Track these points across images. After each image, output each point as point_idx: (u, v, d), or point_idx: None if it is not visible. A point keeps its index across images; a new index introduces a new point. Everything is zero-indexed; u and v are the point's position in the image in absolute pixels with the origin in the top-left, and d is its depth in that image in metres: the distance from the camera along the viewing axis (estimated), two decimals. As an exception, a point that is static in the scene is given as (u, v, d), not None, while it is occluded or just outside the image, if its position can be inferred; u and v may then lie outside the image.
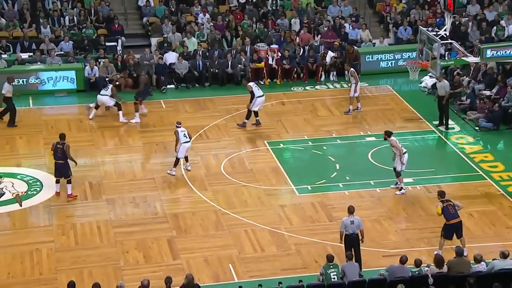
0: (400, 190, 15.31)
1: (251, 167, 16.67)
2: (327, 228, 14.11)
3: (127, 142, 17.88)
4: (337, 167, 16.61)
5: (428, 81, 21.05)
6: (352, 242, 12.51)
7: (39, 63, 21.45)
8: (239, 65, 21.72)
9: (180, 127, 16.35)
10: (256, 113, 18.45)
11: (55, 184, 15.20)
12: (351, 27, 23.84)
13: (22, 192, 15.26)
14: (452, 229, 12.94)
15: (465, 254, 12.16)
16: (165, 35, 23.09)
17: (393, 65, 22.73)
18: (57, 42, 22.34)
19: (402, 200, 15.14)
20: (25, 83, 20.89)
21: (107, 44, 22.48)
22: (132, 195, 15.33)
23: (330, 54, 22.08)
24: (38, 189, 15.46)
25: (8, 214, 14.44)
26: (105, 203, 14.98)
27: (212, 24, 23.53)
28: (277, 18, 24.04)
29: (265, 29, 23.64)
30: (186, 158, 16.40)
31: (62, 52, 22.11)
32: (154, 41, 23.33)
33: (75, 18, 23.44)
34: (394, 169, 15.29)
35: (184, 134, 16.19)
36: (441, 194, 13.23)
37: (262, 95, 18.32)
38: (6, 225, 14.12)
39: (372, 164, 16.67)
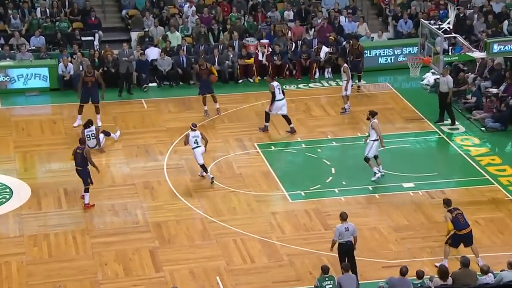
0: (375, 175, 15.90)
1: (240, 171, 16.69)
2: (322, 237, 14.15)
3: (106, 144, 17.83)
4: (333, 171, 16.66)
5: (430, 78, 21.18)
6: (347, 251, 12.59)
7: (8, 59, 21.35)
8: (227, 62, 21.79)
9: (195, 130, 16.20)
10: (288, 119, 18.25)
11: (84, 194, 15.06)
12: (347, 20, 23.95)
13: (-10, 200, 15.19)
14: (461, 239, 12.99)
15: (480, 263, 12.32)
16: (146, 29, 23.07)
17: (392, 61, 22.86)
18: (28, 37, 22.26)
19: (403, 206, 15.22)
20: (-7, 81, 20.80)
21: (83, 38, 22.43)
22: (111, 202, 15.31)
23: (325, 49, 22.17)
24: (8, 196, 15.41)
25: (-26, 224, 14.38)
26: (82, 211, 14.94)
27: (197, 17, 23.55)
28: (268, 11, 24.12)
29: (255, 22, 23.71)
30: (203, 166, 16.07)
31: (34, 48, 22.04)
32: (134, 35, 23.30)
33: (47, 10, 23.35)
34: (365, 158, 15.90)
35: (196, 140, 15.98)
36: (448, 202, 13.09)
37: (282, 99, 18.23)
38: (-28, 235, 14.05)
39: (370, 168, 16.76)
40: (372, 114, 16.07)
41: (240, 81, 22.04)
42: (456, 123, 18.88)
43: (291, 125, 18.36)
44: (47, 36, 22.34)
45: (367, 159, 16.04)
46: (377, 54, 22.76)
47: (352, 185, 15.97)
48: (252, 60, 21.96)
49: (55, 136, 18.29)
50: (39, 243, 13.80)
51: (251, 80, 22.13)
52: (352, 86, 20.25)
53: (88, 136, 16.97)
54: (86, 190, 15.06)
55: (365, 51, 22.21)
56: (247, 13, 24.11)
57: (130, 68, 20.95)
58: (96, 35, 22.95)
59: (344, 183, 16.12)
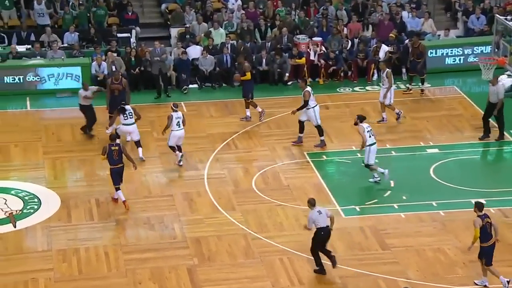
0: (373, 177, 16.40)
1: (288, 183, 16.71)
2: (379, 257, 14.06)
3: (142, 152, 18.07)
4: (392, 185, 16.55)
5: (505, 81, 20.79)
6: (327, 237, 13.32)
7: (38, 57, 21.85)
8: (278, 62, 21.75)
9: (177, 111, 16.97)
10: (320, 129, 18.11)
11: (116, 193, 15.56)
12: (410, 16, 23.75)
13: (16, 211, 15.52)
14: (491, 252, 12.91)
15: (485, 284, 12.71)
16: (188, 25, 23.32)
17: (461, 61, 22.58)
18: (61, 33, 22.73)
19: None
20: (21, 81, 21.34)
21: (119, 35, 22.79)
22: (146, 215, 15.49)
23: (385, 48, 22.03)
24: (36, 207, 15.72)
25: None
26: (115, 224, 15.16)
27: (243, 12, 23.70)
28: (321, 5, 24.10)
29: (306, 18, 23.71)
30: (179, 148, 16.91)
31: (66, 45, 22.51)
32: (174, 32, 23.58)
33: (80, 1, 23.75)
34: (365, 163, 16.32)
35: (178, 122, 16.89)
36: (480, 207, 12.90)
37: (316, 105, 18.14)
38: (-3, 249, 14.41)
39: (435, 182, 16.55)
40: (361, 119, 16.29)
41: (290, 83, 22.08)
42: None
43: (322, 138, 18.11)
44: (81, 32, 22.79)
45: (368, 166, 16.30)
46: (444, 54, 22.52)
47: (414, 200, 15.81)
48: (303, 60, 21.97)
49: (87, 141, 18.63)
50: (69, 258, 14.04)
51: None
52: (410, 90, 20.02)
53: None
54: (118, 189, 15.46)
55: (431, 51, 22.01)
56: (298, 8, 24.13)
57: (163, 68, 21.05)
58: (133, 31, 23.29)
59: (404, 197, 15.99)
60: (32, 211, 15.54)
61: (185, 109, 20.47)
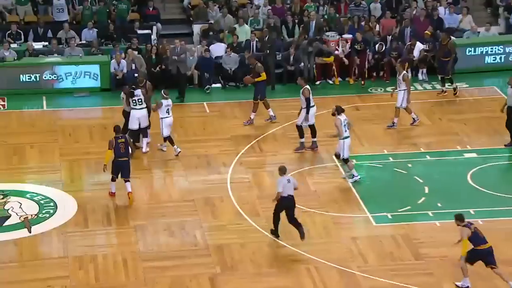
0: (352, 177, 16.53)
1: (315, 188, 16.70)
2: (412, 268, 13.98)
3: (162, 154, 18.17)
4: (426, 191, 16.46)
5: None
6: (288, 206, 14.51)
7: (55, 54, 22.05)
8: (307, 60, 21.68)
9: (167, 98, 17.54)
10: (313, 130, 18.16)
11: (110, 182, 16.04)
12: (447, 12, 23.59)
13: (31, 215, 15.65)
14: (480, 255, 13.19)
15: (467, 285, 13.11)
16: (211, 21, 23.38)
17: (503, 60, 22.40)
18: (79, 30, 22.89)
19: None
20: (38, 79, 21.56)
21: (139, 32, 22.90)
22: (166, 220, 15.55)
23: (420, 46, 21.91)
24: (52, 211, 15.87)
25: (14, 242, 14.81)
26: (133, 230, 15.25)
27: (269, 7, 23.71)
28: (352, 1, 24.05)
29: (337, 14, 23.66)
30: (169, 139, 17.68)
31: (85, 42, 22.67)
32: (197, 28, 23.65)
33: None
34: (338, 156, 16.68)
35: (168, 109, 17.58)
36: (460, 218, 13.21)
37: (313, 105, 18.21)
38: (11, 255, 14.47)
39: (472, 188, 16.45)
40: (339, 110, 16.55)
41: (318, 82, 22.06)
42: None
43: (315, 139, 18.09)
44: (100, 28, 22.95)
45: (345, 160, 16.58)
46: (484, 52, 22.35)
47: (450, 208, 15.65)
48: (332, 58, 21.93)
49: (106, 143, 18.62)
50: (85, 265, 14.13)
51: (331, 82, 22.11)
52: (445, 92, 19.90)
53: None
54: (114, 180, 16.08)
55: (469, 49, 21.84)
56: (328, 3, 24.10)
57: (181, 69, 21.03)
58: (154, 28, 23.43)
59: (439, 205, 15.90)
60: (47, 215, 15.68)
61: (207, 110, 20.56)
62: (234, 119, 19.98)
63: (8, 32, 22.64)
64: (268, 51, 21.60)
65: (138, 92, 17.79)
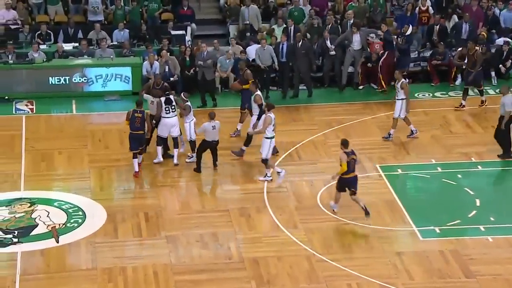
0: (265, 176, 17.04)
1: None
2: (462, 286, 13.79)
3: (194, 162, 18.17)
4: (477, 204, 16.26)
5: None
6: (211, 148, 16.96)
7: (86, 56, 22.22)
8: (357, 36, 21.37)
9: (187, 101, 17.76)
10: (248, 139, 18.05)
11: (133, 160, 17.10)
12: (506, 10, 23.15)
13: (59, 224, 15.75)
14: (347, 183, 15.57)
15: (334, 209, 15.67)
16: (247, 22, 23.35)
17: None
18: (111, 30, 23.01)
19: None
20: (67, 82, 21.72)
21: (173, 32, 22.97)
22: (199, 231, 15.54)
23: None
24: (80, 220, 15.95)
25: (41, 253, 14.90)
26: (165, 241, 15.26)
27: (310, 7, 23.54)
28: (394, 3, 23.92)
29: (383, 1, 23.43)
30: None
31: (116, 43, 22.81)
32: (233, 29, 23.65)
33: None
34: (263, 160, 17.02)
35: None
36: (345, 143, 15.47)
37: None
38: (38, 266, 14.56)
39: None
40: (269, 107, 16.92)
41: (361, 87, 21.90)
42: None
43: (246, 148, 17.99)
44: (132, 29, 23.08)
45: (265, 161, 16.93)
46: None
47: (503, 222, 15.50)
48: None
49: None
50: (114, 278, 14.15)
51: (375, 87, 21.90)
52: (463, 106, 19.57)
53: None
54: (135, 157, 17.08)
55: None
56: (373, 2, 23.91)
57: (207, 75, 20.81)
58: (188, 28, 23.48)
59: (492, 219, 15.68)
60: (76, 225, 15.77)
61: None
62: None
63: (38, 32, 22.87)
64: (296, 55, 21.18)
65: (172, 98, 17.83)
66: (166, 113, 17.74)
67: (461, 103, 20.31)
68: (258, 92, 18.06)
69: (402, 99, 18.57)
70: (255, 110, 17.93)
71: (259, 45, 21.81)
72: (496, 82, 21.71)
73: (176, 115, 17.85)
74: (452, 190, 16.90)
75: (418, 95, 21.45)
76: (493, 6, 23.40)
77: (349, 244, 15.07)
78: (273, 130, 16.92)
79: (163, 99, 17.75)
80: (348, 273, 14.17)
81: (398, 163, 17.94)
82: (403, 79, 18.80)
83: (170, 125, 17.75)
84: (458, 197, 16.59)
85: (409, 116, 18.97)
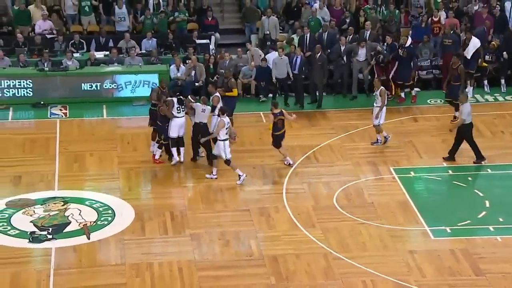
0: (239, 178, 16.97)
1: (372, 200, 16.45)
2: (472, 283, 13.63)
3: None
4: (487, 205, 16.08)
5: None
6: (201, 132, 17.21)
7: (116, 64, 22.29)
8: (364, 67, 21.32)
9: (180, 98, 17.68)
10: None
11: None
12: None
13: (90, 222, 15.78)
14: (282, 138, 17.58)
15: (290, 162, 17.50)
16: (268, 32, 23.31)
17: None
18: (139, 39, 23.09)
19: None
20: (98, 88, 21.80)
21: (197, 41, 22.98)
22: (221, 230, 15.49)
23: (475, 43, 21.11)
24: (110, 218, 15.96)
25: (73, 249, 14.92)
26: (189, 239, 15.23)
27: (330, 20, 23.32)
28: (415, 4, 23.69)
29: (398, 12, 23.21)
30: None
31: (144, 51, 22.86)
32: (254, 38, 23.62)
33: (161, 4, 24.05)
34: (215, 157, 17.11)
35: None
36: (276, 105, 17.33)
37: (183, 116, 17.76)
38: (71, 261, 14.58)
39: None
40: (223, 111, 16.96)
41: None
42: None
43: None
44: (159, 38, 23.12)
45: (227, 162, 16.93)
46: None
47: (512, 223, 15.33)
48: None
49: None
50: (142, 273, 14.13)
51: (389, 94, 21.66)
52: (457, 118, 19.24)
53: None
54: (160, 146, 17.67)
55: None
56: (390, 2, 23.58)
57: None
58: (212, 37, 23.47)
59: (501, 219, 15.49)
60: (106, 223, 15.78)
61: (264, 120, 20.45)
62: (290, 129, 19.75)
63: (72, 41, 22.98)
64: (313, 66, 20.92)
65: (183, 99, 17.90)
66: (178, 112, 17.69)
67: (455, 116, 19.60)
68: (217, 94, 17.91)
69: (379, 106, 18.33)
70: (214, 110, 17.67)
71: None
72: (505, 89, 21.45)
73: (184, 116, 17.80)
74: (463, 192, 16.74)
75: (430, 101, 21.28)
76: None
77: (363, 243, 14.94)
78: (226, 133, 16.86)
79: (175, 99, 17.72)
80: (363, 270, 14.06)
81: (411, 166, 17.80)
82: (382, 87, 18.58)
83: (180, 125, 17.69)
84: (468, 199, 16.43)
85: (413, 121, 18.81)
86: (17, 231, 15.34)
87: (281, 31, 23.81)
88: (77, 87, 21.66)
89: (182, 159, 17.95)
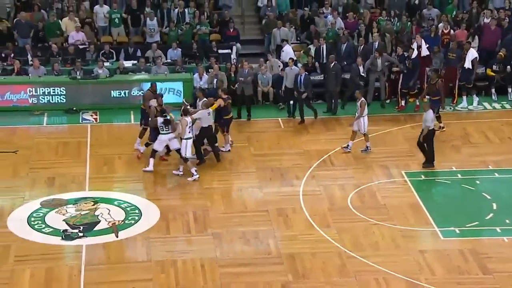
0: (193, 175, 17.07)
1: (384, 202, 16.37)
2: (479, 282, 13.51)
3: (238, 166, 18.14)
4: (494, 207, 15.95)
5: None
6: (209, 135, 17.48)
7: (143, 72, 22.40)
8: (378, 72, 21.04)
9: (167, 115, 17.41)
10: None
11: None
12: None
13: (119, 221, 15.83)
14: (230, 121, 18.10)
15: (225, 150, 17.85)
16: (280, 43, 23.26)
17: None
18: (165, 49, 23.19)
19: None
20: (127, 95, 21.90)
21: (220, 51, 23.03)
22: (241, 229, 15.48)
23: (473, 53, 20.97)
24: (137, 218, 15.99)
25: (103, 246, 14.99)
26: (211, 237, 15.24)
27: (343, 27, 23.32)
28: (423, 8, 23.51)
29: (410, 24, 23.07)
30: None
31: (170, 60, 22.95)
32: (272, 48, 23.59)
33: (187, 17, 24.13)
34: (184, 159, 17.16)
35: (163, 127, 17.28)
36: (224, 90, 17.89)
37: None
38: (100, 258, 14.65)
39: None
40: (185, 112, 17.06)
41: (388, 101, 21.63)
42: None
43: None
44: (184, 48, 23.19)
45: (186, 160, 17.05)
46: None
47: (518, 225, 15.18)
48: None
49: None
50: (167, 269, 14.16)
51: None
52: (443, 128, 18.99)
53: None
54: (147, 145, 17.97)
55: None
56: (405, 14, 23.43)
57: (246, 90, 20.69)
58: (234, 47, 23.51)
59: (507, 221, 15.36)
60: (133, 222, 15.82)
61: (282, 126, 20.43)
62: (307, 134, 19.81)
63: (102, 51, 23.13)
64: (328, 75, 20.82)
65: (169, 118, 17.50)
66: (161, 130, 17.41)
67: (440, 126, 19.40)
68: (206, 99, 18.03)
69: (361, 116, 18.24)
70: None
71: (299, 65, 21.75)
72: (511, 97, 21.27)
73: (170, 133, 17.47)
74: (471, 194, 16.62)
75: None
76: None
77: (376, 242, 14.87)
78: (190, 132, 17.08)
79: (161, 119, 17.40)
80: (375, 268, 14.00)
81: (422, 170, 17.69)
82: (362, 98, 18.48)
83: (164, 141, 17.56)
84: (476, 201, 16.30)
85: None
86: (51, 229, 15.44)
87: (298, 41, 23.76)
88: (107, 94, 21.77)
89: (152, 169, 17.61)
